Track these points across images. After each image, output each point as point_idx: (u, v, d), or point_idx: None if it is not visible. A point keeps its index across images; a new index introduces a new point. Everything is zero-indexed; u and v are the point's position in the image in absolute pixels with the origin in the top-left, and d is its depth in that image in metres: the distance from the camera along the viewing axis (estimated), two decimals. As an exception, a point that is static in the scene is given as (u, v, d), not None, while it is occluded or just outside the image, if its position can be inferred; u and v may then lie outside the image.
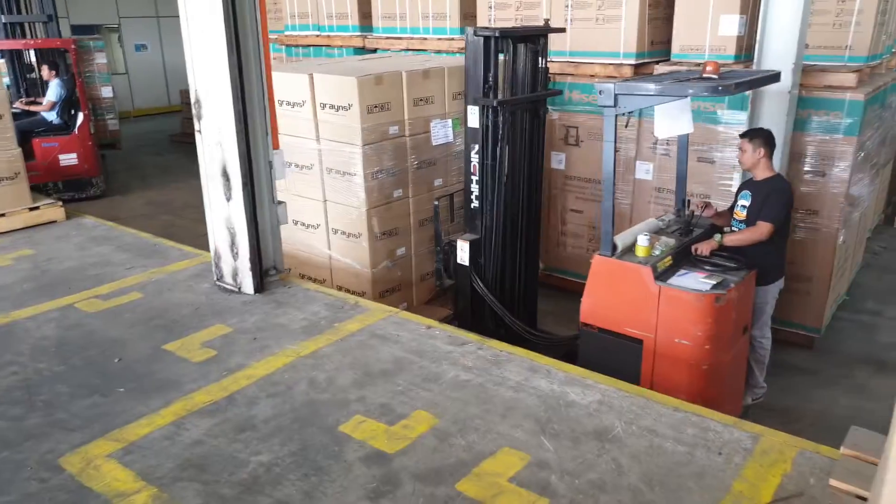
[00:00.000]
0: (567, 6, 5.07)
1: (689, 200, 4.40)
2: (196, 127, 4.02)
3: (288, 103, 4.59)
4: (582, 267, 5.05)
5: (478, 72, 3.99)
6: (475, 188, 4.23)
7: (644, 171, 5.20)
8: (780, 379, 4.53)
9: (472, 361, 3.38)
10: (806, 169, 4.58)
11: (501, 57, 4.11)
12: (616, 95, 3.43)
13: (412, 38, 5.77)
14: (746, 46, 4.78)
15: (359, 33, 6.17)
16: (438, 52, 5.67)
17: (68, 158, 8.19)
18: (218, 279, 4.26)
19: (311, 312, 3.91)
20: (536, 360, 3.40)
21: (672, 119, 3.79)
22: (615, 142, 3.58)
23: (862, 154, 4.67)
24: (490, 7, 5.31)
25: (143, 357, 3.50)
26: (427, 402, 3.05)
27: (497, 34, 3.92)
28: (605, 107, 3.48)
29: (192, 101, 3.98)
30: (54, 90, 8.16)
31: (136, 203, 8.80)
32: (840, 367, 4.80)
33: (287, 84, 4.57)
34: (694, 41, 4.82)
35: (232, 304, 4.05)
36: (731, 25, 4.73)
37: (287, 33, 6.76)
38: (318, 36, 6.48)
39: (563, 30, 4.74)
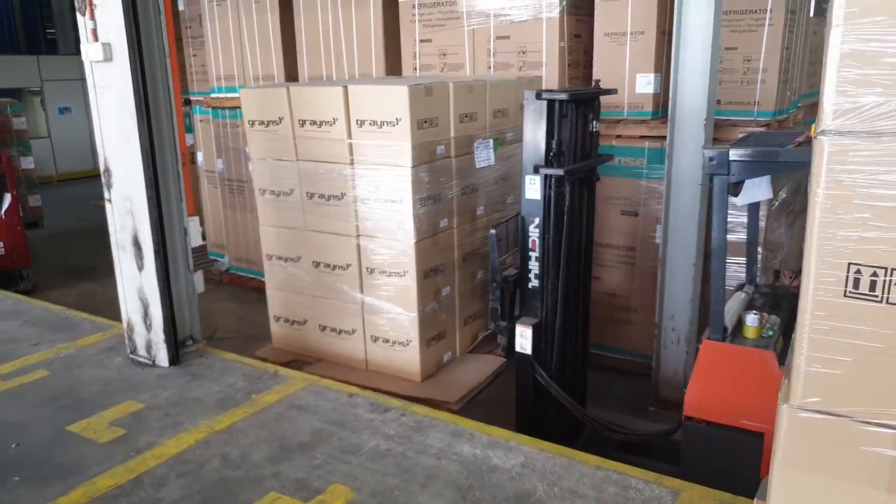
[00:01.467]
0: (490, 64, 5.25)
1: (778, 271, 4.20)
2: (106, 196, 3.97)
3: (313, 122, 3.95)
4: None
5: (539, 138, 3.66)
6: (534, 266, 3.82)
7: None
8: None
9: (393, 429, 3.35)
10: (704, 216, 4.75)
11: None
12: (730, 162, 3.12)
13: (339, 99, 5.88)
14: (662, 103, 5.00)
15: (285, 95, 6.26)
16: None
17: None
18: (131, 352, 4.15)
19: (228, 384, 3.83)
20: (460, 424, 3.39)
21: (753, 186, 3.62)
22: (725, 212, 3.26)
23: (776, 203, 4.88)
24: (415, 69, 5.46)
25: (44, 441, 3.36)
26: (345, 476, 3.00)
27: (566, 97, 3.65)
28: (716, 175, 3.20)
29: (102, 169, 3.95)
30: None
31: (70, 296, 8.19)
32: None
33: (312, 101, 3.98)
34: (613, 99, 5.03)
35: (145, 378, 3.95)
36: (646, 84, 4.95)
37: (213, 95, 6.79)
38: (244, 98, 6.54)
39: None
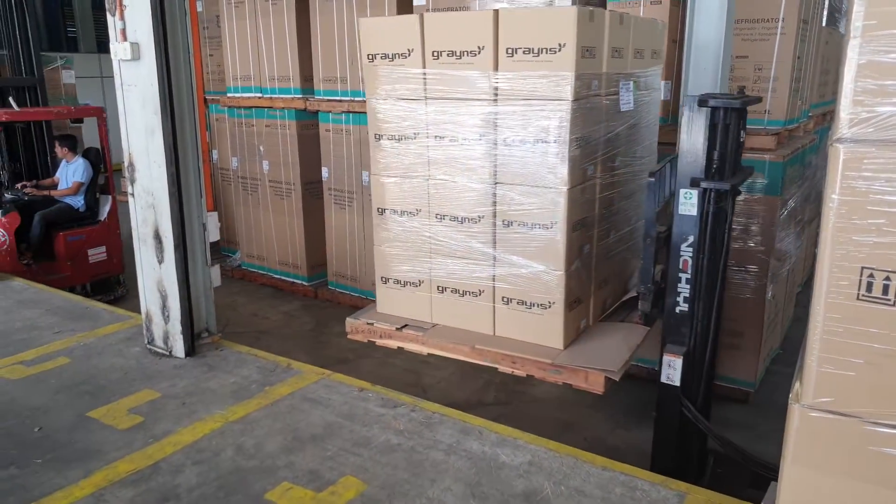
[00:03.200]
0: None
1: None
2: (129, 190, 4.02)
3: (451, 53, 3.42)
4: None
5: (699, 148, 3.32)
6: (684, 289, 3.45)
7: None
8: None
9: (403, 424, 3.38)
10: (733, 227, 4.77)
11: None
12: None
13: (353, 101, 5.90)
14: (673, 110, 5.03)
15: (300, 95, 6.28)
16: (380, 114, 5.82)
17: (97, 253, 6.58)
18: (149, 343, 4.19)
19: (242, 376, 3.87)
20: (469, 422, 3.41)
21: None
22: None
23: (785, 212, 4.89)
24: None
25: (66, 425, 3.41)
26: (356, 468, 3.03)
27: (738, 104, 3.30)
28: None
29: (126, 164, 3.99)
30: (81, 169, 6.54)
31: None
32: (774, 421, 4.90)
33: (453, 28, 3.42)
34: (624, 105, 5.06)
35: (162, 368, 3.99)
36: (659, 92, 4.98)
37: (230, 95, 6.84)
38: (260, 98, 6.57)
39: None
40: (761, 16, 4.48)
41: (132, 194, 4.02)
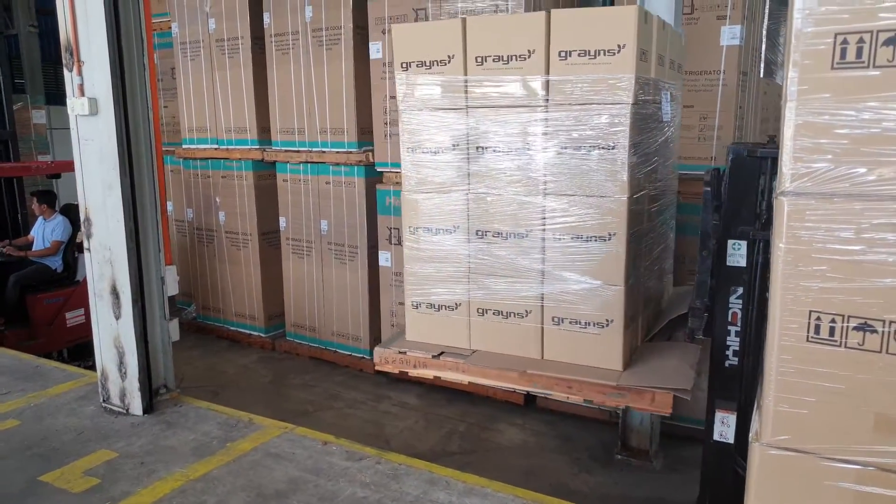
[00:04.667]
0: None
1: None
2: (85, 245, 3.98)
3: (497, 59, 3.29)
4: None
5: (748, 198, 3.17)
6: (734, 341, 3.30)
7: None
8: (679, 474, 4.69)
9: (369, 477, 3.37)
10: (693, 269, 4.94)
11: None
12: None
13: (311, 152, 5.96)
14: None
15: (258, 146, 6.32)
16: (337, 164, 5.89)
17: (75, 316, 6.15)
18: (104, 400, 4.10)
19: (203, 432, 3.81)
20: (435, 472, 3.42)
21: None
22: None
23: (705, 254, 5.09)
24: (385, 123, 5.61)
25: (16, 491, 3.29)
26: (323, 523, 3.01)
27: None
28: None
29: (82, 219, 3.96)
30: (61, 227, 6.24)
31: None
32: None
33: (500, 32, 3.30)
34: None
35: (119, 426, 3.89)
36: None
37: (185, 146, 6.84)
38: (216, 149, 6.59)
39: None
40: (704, 68, 4.74)
41: (88, 249, 3.98)
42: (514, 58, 3.22)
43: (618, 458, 4.52)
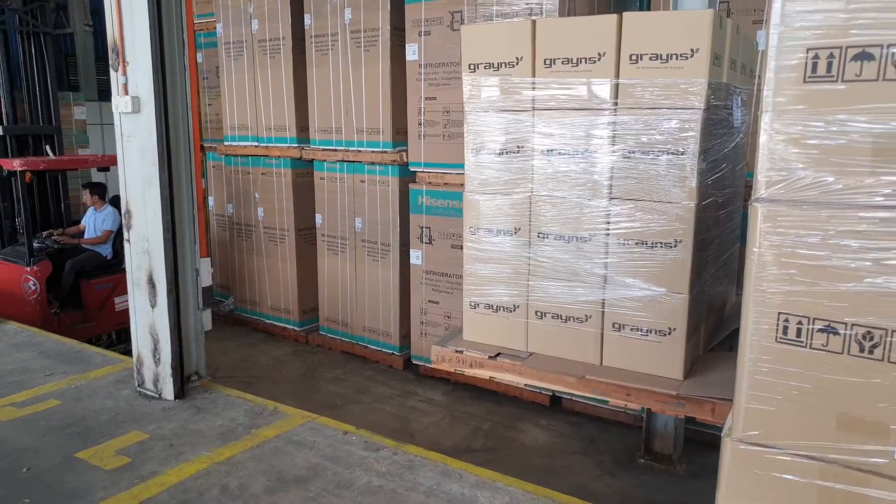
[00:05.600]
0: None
1: None
2: (125, 236, 4.24)
3: (566, 61, 3.30)
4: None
5: None
6: None
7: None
8: (702, 480, 4.73)
9: (385, 467, 3.52)
10: None
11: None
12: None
13: (347, 151, 6.17)
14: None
15: (296, 145, 6.56)
16: (372, 163, 6.08)
17: (123, 301, 6.48)
18: (139, 385, 4.36)
19: (230, 419, 4.02)
20: (449, 465, 3.56)
21: None
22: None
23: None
24: (420, 124, 5.77)
25: (54, 466, 3.55)
26: (338, 508, 3.18)
27: None
28: None
29: (123, 211, 4.22)
30: (111, 217, 6.74)
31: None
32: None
33: (570, 34, 3.32)
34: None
35: (151, 410, 4.14)
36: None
37: (227, 143, 7.13)
38: (256, 147, 6.87)
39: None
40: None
41: (128, 240, 4.23)
42: (583, 60, 3.23)
43: (641, 462, 4.57)
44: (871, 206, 1.54)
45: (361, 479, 3.40)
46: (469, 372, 3.62)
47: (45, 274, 6.21)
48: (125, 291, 6.30)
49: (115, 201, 6.83)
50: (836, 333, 1.58)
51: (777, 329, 1.65)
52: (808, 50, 1.55)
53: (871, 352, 1.55)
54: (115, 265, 6.74)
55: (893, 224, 1.51)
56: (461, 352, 3.56)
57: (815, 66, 1.54)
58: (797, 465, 1.67)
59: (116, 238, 6.74)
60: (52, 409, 4.18)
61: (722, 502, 1.80)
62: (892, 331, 1.52)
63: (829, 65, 1.53)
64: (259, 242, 6.99)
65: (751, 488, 1.74)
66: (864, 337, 1.55)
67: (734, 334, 3.66)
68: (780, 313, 1.64)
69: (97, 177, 8.34)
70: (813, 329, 1.61)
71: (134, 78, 4.07)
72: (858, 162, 1.53)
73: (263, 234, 6.92)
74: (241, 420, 4.01)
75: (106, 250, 6.76)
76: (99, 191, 6.90)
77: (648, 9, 5.25)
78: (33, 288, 6.13)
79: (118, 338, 6.69)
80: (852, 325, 1.56)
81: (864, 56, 1.50)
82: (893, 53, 1.47)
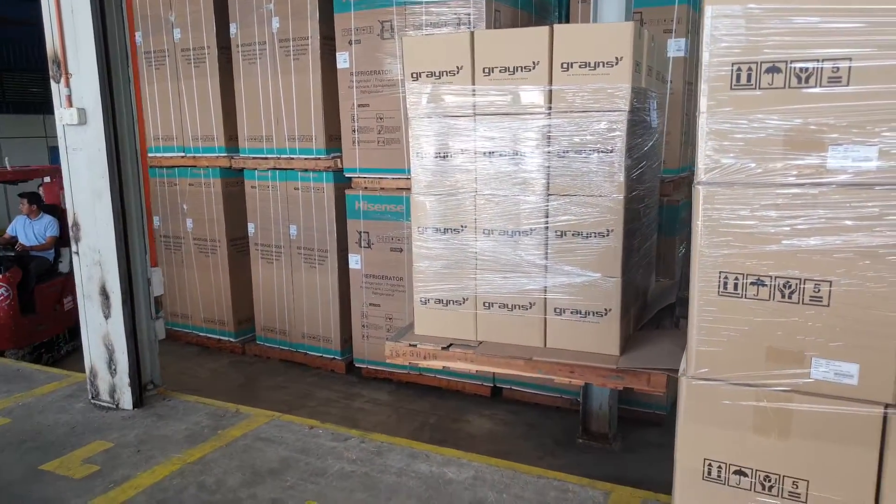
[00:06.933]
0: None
1: None
2: (73, 248, 4.38)
3: (504, 69, 3.66)
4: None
5: None
6: None
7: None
8: (636, 454, 5.28)
9: (356, 454, 3.86)
10: (669, 267, 5.55)
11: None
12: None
13: (279, 158, 6.41)
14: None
15: (225, 154, 6.75)
16: (305, 170, 6.36)
17: (69, 301, 7.42)
18: (93, 397, 4.50)
19: (194, 422, 4.24)
20: (416, 448, 3.94)
21: None
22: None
23: (682, 249, 5.75)
24: (354, 130, 6.10)
25: (18, 479, 3.68)
26: (316, 494, 3.49)
27: None
28: None
29: (70, 223, 4.37)
30: (54, 224, 7.49)
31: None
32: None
33: (505, 45, 3.69)
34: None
35: (110, 420, 4.30)
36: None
37: (151, 155, 7.20)
38: (183, 157, 7.00)
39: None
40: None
41: (76, 252, 4.38)
42: (519, 69, 3.62)
43: (579, 443, 5.05)
44: (784, 185, 2.06)
45: (334, 467, 3.73)
46: (423, 363, 3.97)
47: (16, 280, 6.62)
48: (69, 292, 7.22)
49: (53, 210, 7.63)
50: (764, 285, 2.09)
51: (719, 285, 2.14)
52: (732, 64, 2.05)
53: (790, 297, 2.07)
54: (53, 268, 7.47)
55: (802, 198, 2.03)
56: (415, 345, 3.89)
57: (738, 76, 2.05)
58: (738, 392, 2.17)
59: (58, 243, 7.50)
60: (2, 427, 4.26)
61: (682, 428, 2.28)
62: (805, 279, 2.04)
63: (749, 76, 2.04)
64: (189, 255, 7.12)
65: (704, 414, 2.23)
66: (784, 286, 2.07)
67: (659, 314, 4.28)
68: (720, 272, 2.14)
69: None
70: (746, 283, 2.11)
71: (78, 89, 4.24)
72: (773, 151, 2.04)
73: (193, 246, 7.06)
74: (205, 423, 4.24)
75: (51, 255, 7.47)
76: (37, 200, 7.54)
77: (567, 20, 5.81)
78: (6, 294, 6.57)
79: (70, 335, 7.38)
80: (775, 277, 2.07)
81: (773, 69, 2.02)
82: (794, 67, 1.99)
